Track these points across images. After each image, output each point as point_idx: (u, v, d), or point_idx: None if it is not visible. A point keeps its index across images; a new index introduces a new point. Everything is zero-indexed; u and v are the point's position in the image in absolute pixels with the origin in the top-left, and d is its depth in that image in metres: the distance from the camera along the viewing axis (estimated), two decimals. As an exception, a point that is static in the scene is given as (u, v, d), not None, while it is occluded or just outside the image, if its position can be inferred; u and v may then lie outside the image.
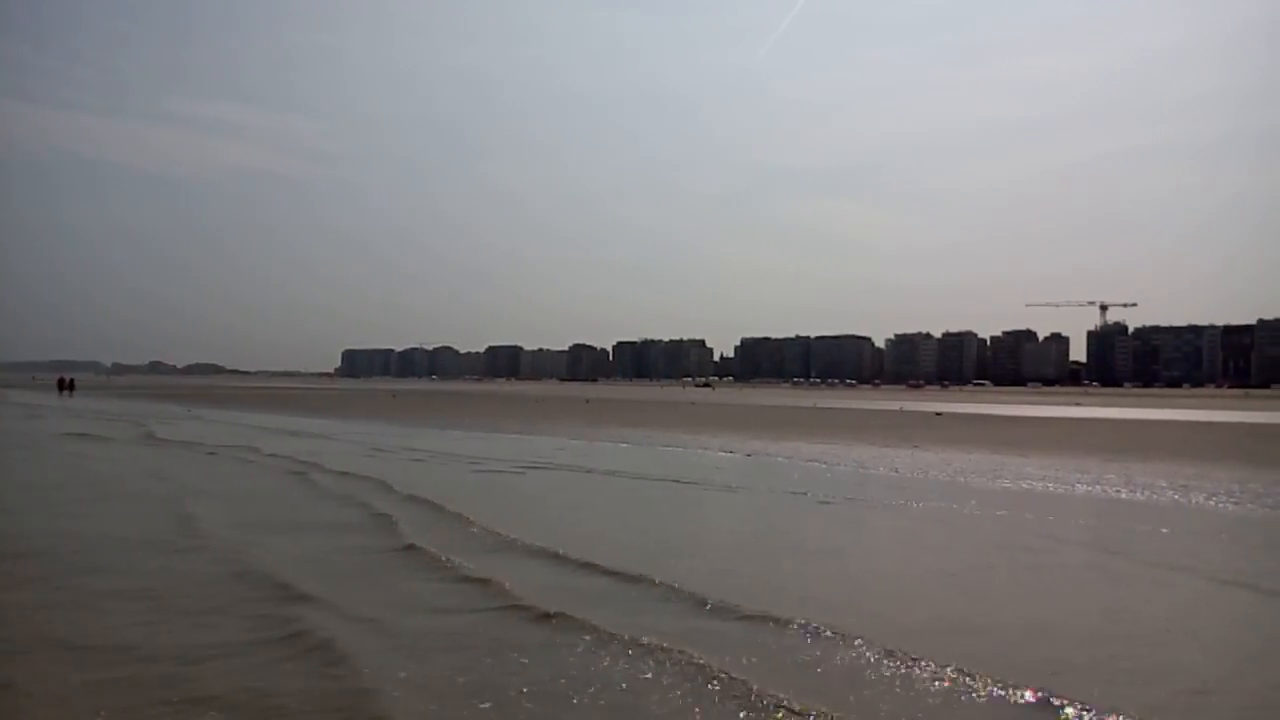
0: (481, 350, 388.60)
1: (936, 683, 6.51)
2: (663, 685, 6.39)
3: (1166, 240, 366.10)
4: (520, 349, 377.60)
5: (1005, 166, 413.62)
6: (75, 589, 8.93)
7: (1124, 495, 17.37)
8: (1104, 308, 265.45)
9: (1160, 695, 6.38)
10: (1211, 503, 16.32)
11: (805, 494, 17.30)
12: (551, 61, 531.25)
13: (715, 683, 6.44)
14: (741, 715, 5.94)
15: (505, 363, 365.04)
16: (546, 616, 7.98)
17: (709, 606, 8.43)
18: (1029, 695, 6.23)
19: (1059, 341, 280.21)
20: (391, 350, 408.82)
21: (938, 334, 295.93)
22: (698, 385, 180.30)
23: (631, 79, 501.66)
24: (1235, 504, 16.21)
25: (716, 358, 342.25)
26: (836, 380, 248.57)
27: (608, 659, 6.93)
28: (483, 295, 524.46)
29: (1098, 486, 18.56)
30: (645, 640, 7.26)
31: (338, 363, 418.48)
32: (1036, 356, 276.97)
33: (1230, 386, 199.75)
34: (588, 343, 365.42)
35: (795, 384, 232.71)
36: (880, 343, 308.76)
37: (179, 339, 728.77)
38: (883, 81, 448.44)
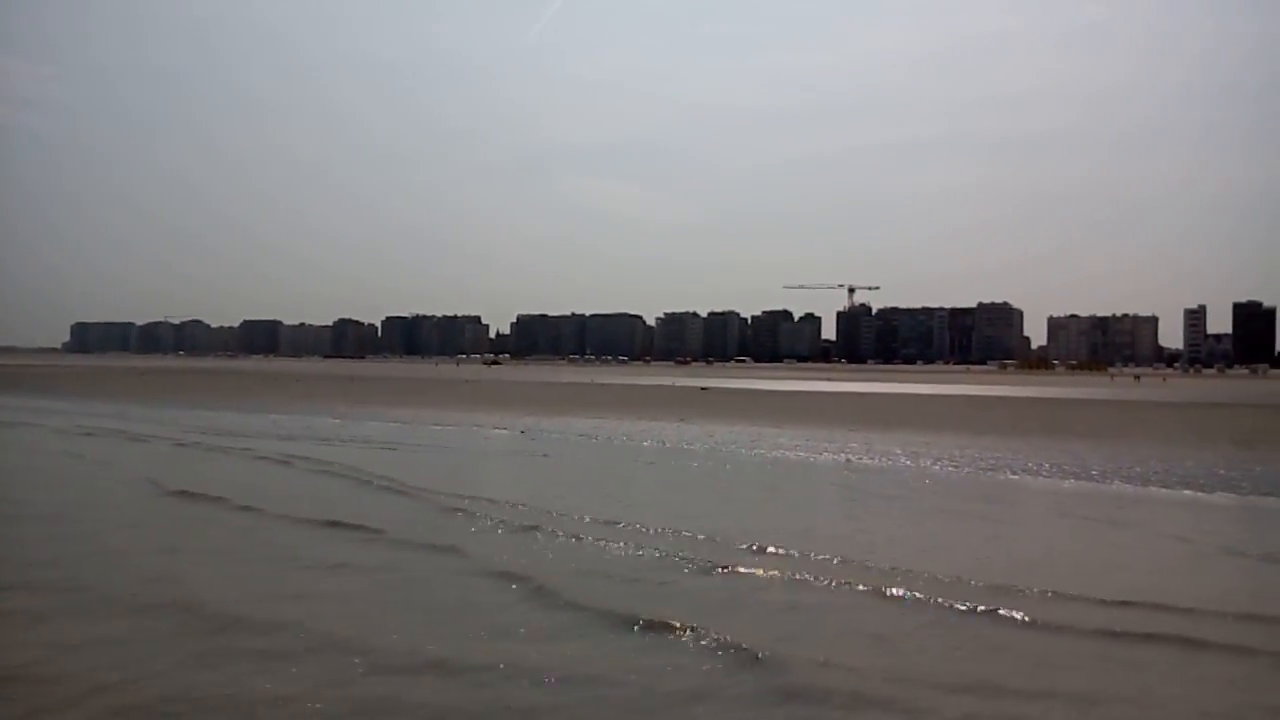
0: (236, 325, 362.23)
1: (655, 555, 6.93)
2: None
3: (905, 228, 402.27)
4: (279, 324, 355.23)
5: (766, 153, 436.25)
6: None
7: (865, 460, 19.07)
8: (851, 290, 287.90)
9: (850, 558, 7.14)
10: (936, 466, 18.25)
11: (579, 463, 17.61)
12: (342, 19, 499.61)
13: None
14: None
15: (263, 338, 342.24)
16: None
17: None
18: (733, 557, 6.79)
19: (812, 321, 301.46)
20: (132, 324, 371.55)
21: (704, 313, 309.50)
22: (488, 363, 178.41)
23: (413, 43, 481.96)
24: (954, 467, 18.24)
25: (492, 334, 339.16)
26: (610, 357, 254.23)
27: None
28: (235, 265, 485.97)
29: (842, 454, 20.23)
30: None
31: (66, 337, 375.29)
32: (792, 335, 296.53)
33: (955, 362, 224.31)
34: (354, 318, 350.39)
35: (571, 360, 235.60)
36: (651, 321, 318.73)
37: None
38: (654, 65, 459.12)
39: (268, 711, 5.58)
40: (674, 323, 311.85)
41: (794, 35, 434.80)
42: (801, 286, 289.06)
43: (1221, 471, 17.32)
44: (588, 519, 11.95)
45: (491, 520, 11.84)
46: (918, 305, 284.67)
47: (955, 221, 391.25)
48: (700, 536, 10.85)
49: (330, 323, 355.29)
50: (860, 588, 8.66)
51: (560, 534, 10.98)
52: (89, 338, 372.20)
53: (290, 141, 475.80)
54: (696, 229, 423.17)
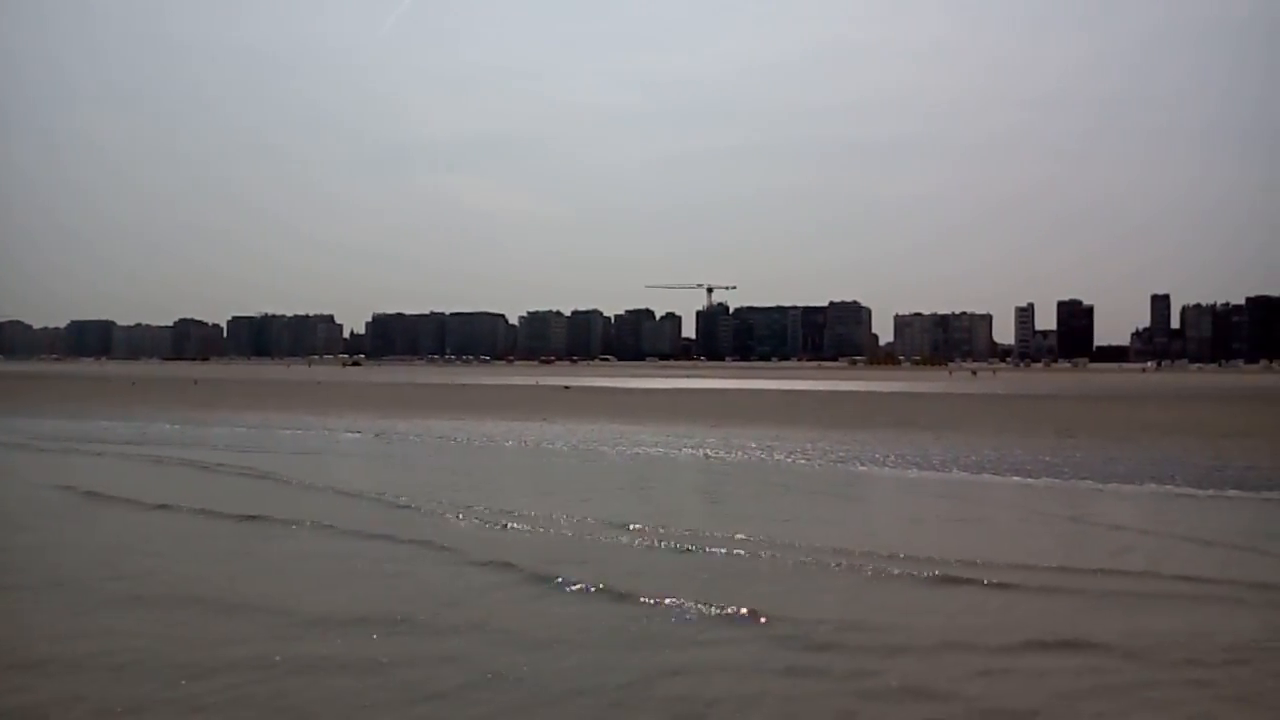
0: (63, 325, 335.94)
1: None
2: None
3: (759, 228, 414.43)
4: (113, 324, 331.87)
5: (626, 151, 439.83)
6: None
7: (721, 455, 19.52)
8: (710, 290, 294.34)
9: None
10: (790, 460, 18.88)
11: (439, 467, 17.26)
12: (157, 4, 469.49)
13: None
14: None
15: (94, 340, 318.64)
16: None
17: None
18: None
19: (673, 320, 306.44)
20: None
21: (567, 312, 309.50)
22: (347, 364, 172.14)
23: (253, 32, 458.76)
24: (806, 460, 18.92)
25: (347, 334, 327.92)
26: (471, 357, 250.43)
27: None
28: (65, 261, 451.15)
29: (701, 450, 20.64)
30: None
31: None
32: (654, 333, 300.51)
33: (808, 359, 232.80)
34: (197, 317, 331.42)
35: (430, 361, 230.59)
36: (514, 319, 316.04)
37: None
38: (514, 61, 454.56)
39: None
40: (537, 321, 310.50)
41: (653, 37, 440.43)
42: (663, 286, 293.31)
43: (1046, 458, 18.66)
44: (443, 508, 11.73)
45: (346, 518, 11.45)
46: (773, 304, 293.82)
47: (806, 223, 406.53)
48: (563, 519, 10.85)
49: (170, 323, 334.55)
50: (711, 550, 9.72)
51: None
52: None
53: (84, 126, 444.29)
54: (558, 226, 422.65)
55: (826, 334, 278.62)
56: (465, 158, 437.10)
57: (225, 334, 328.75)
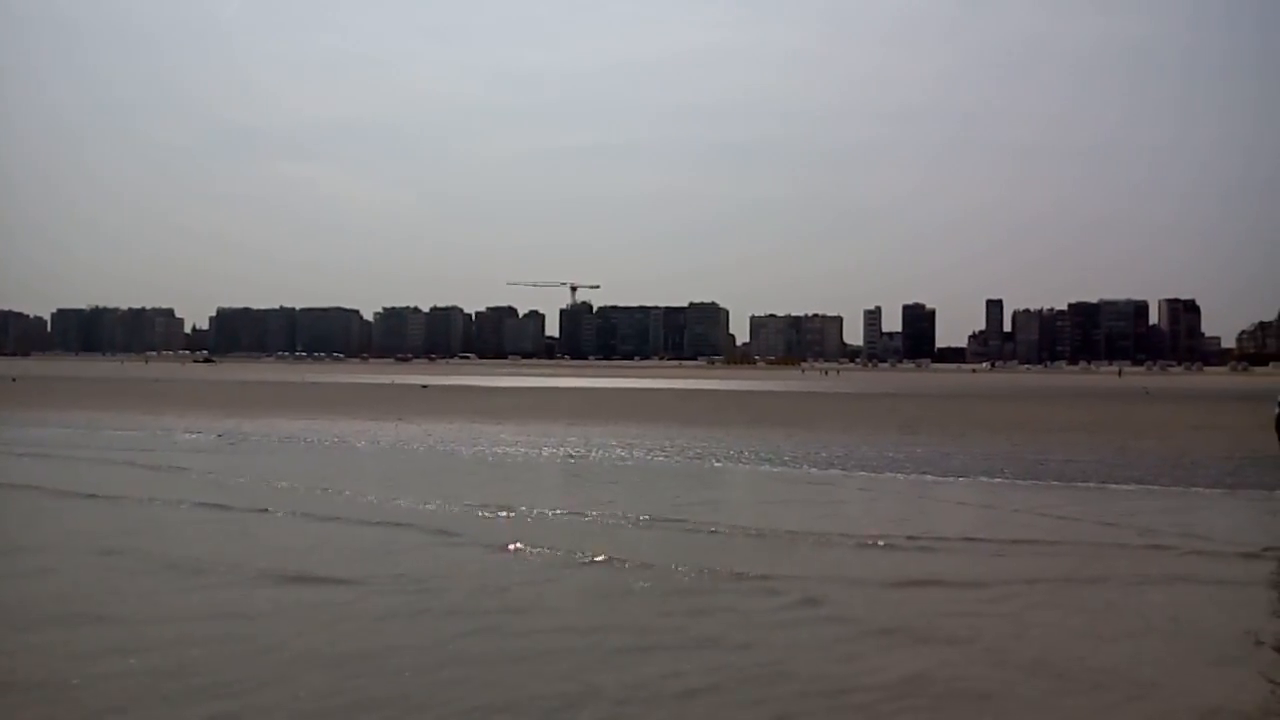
0: None
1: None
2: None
3: (622, 227, 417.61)
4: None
5: (488, 146, 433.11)
6: None
7: (581, 453, 19.53)
8: (574, 288, 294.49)
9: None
10: (649, 456, 19.08)
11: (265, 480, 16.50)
12: None
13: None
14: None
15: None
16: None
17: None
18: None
19: (536, 318, 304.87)
20: None
21: (426, 308, 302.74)
22: (198, 360, 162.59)
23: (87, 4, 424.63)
24: (665, 456, 19.17)
25: (188, 329, 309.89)
26: (324, 354, 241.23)
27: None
28: None
29: (561, 448, 20.59)
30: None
31: None
32: (517, 331, 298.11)
33: (669, 358, 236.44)
34: (16, 309, 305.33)
35: (280, 358, 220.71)
36: (369, 316, 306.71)
37: None
38: (366, 48, 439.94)
39: None
40: (394, 318, 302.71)
41: (519, 33, 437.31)
42: (525, 284, 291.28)
43: (890, 454, 19.58)
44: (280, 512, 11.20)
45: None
46: (635, 304, 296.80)
47: (668, 223, 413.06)
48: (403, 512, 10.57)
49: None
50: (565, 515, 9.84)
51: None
52: None
53: None
54: (415, 219, 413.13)
55: (687, 334, 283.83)
56: (321, 146, 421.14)
57: (50, 327, 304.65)
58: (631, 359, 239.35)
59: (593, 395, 47.70)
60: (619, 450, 20.11)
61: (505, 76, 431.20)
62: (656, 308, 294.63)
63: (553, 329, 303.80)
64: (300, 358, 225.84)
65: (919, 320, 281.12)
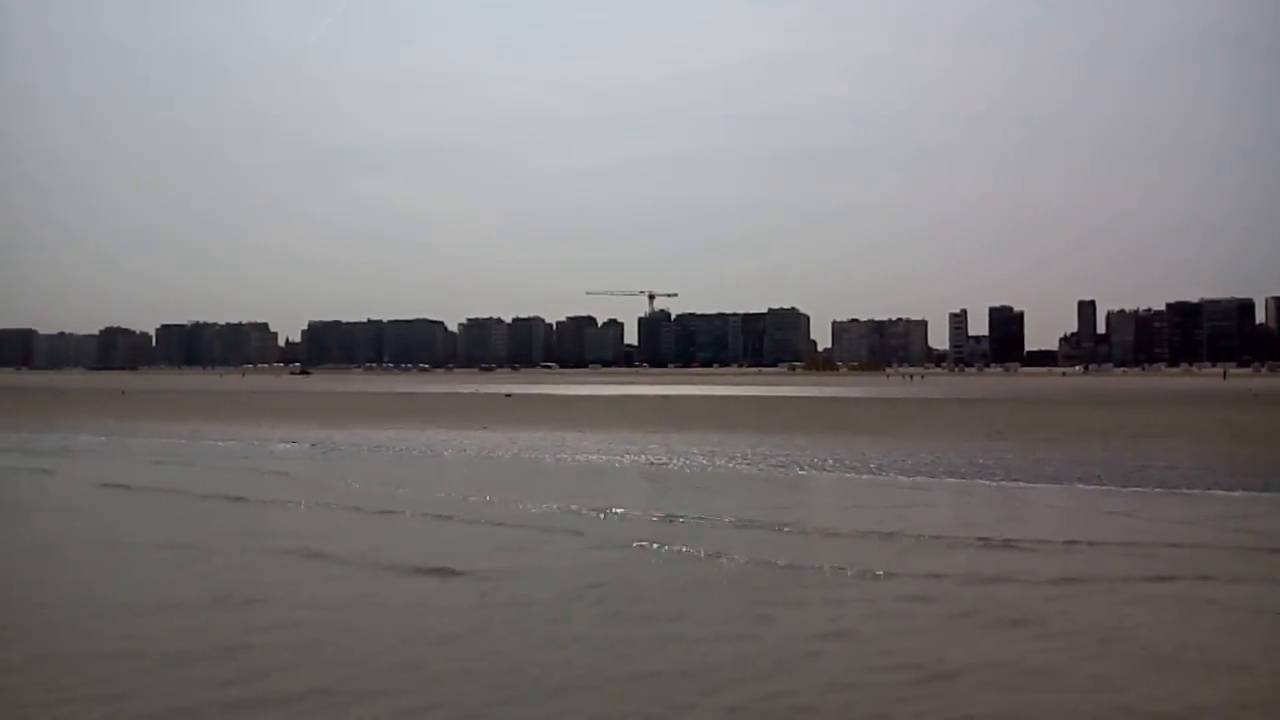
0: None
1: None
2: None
3: (700, 235, 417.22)
4: (34, 332, 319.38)
5: (566, 159, 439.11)
6: None
7: (663, 460, 19.58)
8: (652, 296, 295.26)
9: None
10: (732, 464, 19.02)
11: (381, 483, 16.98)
12: (87, 7, 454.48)
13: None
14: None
15: (13, 349, 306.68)
16: None
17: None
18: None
19: (615, 327, 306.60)
20: None
21: (509, 319, 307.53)
22: (294, 372, 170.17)
23: (178, 44, 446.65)
24: (747, 464, 19.07)
25: (281, 342, 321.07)
26: (410, 365, 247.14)
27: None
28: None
29: (643, 455, 20.67)
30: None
31: None
32: (597, 340, 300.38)
33: (748, 365, 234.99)
34: (125, 326, 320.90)
35: (367, 370, 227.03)
36: (453, 327, 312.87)
37: None
38: (445, 67, 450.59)
39: None
40: (477, 329, 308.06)
41: (595, 45, 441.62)
42: (605, 293, 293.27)
43: (980, 460, 19.09)
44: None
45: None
46: (714, 311, 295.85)
47: (747, 230, 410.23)
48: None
49: (96, 331, 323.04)
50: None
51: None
52: None
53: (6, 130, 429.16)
54: (498, 233, 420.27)
55: (766, 340, 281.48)
56: (402, 163, 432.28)
57: (154, 343, 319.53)
58: (710, 366, 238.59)
59: (672, 403, 47.74)
60: (700, 458, 20.09)
61: (579, 89, 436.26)
62: (735, 314, 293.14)
63: (631, 337, 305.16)
64: (387, 368, 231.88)
65: (1007, 322, 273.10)
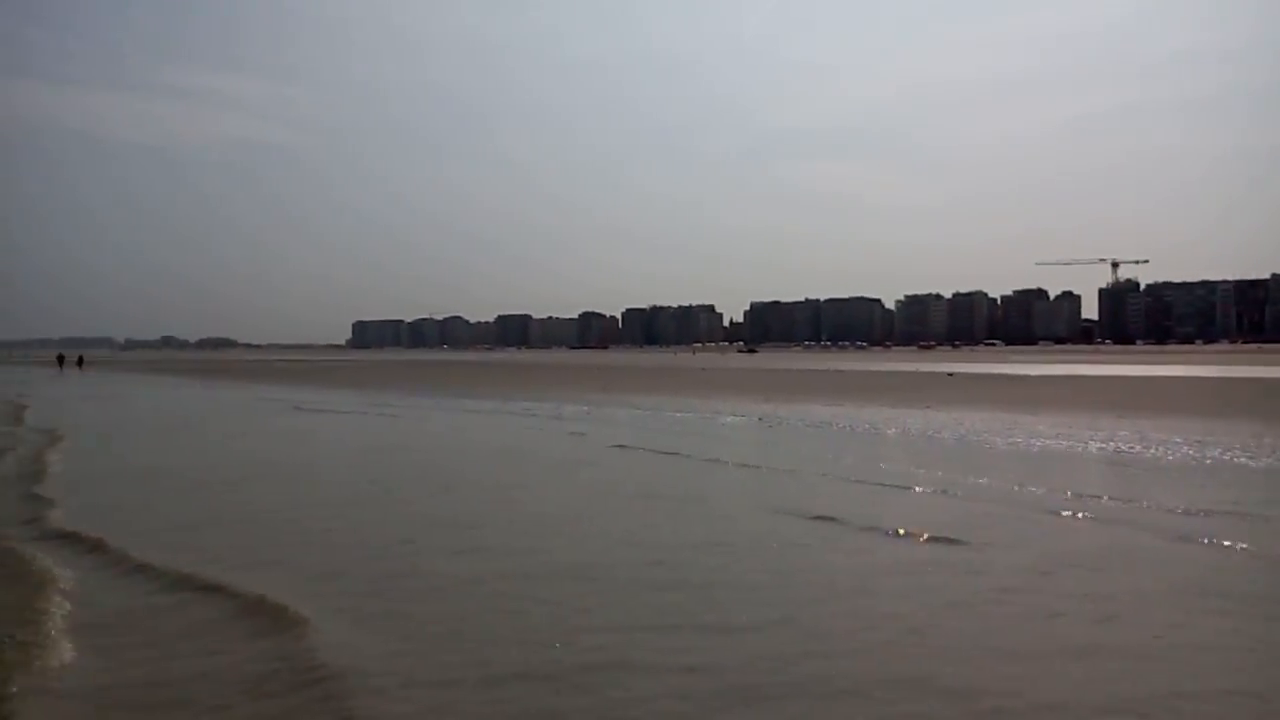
0: (491, 320, 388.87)
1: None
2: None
3: (1174, 194, 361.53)
4: (529, 318, 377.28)
5: (1010, 121, 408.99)
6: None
7: (1137, 449, 17.31)
8: (1115, 265, 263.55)
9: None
10: (1227, 456, 16.24)
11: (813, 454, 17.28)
12: (554, 26, 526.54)
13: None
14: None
15: (515, 332, 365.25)
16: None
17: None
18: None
19: (1070, 299, 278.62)
20: (401, 321, 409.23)
21: (948, 294, 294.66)
22: (741, 350, 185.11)
23: (633, 44, 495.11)
24: (1250, 457, 16.13)
25: (726, 323, 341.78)
26: (847, 343, 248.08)
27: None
28: (492, 264, 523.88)
29: (1110, 443, 18.49)
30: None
31: (348, 334, 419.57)
32: (1048, 315, 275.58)
33: (1245, 342, 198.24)
34: (597, 310, 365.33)
35: (806, 347, 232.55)
36: (890, 304, 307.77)
37: (190, 313, 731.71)
38: (881, 41, 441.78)
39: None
40: (915, 305, 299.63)
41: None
42: (1057, 262, 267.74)
43: None
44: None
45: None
46: (1195, 278, 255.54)
47: (1234, 182, 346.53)
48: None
49: (575, 315, 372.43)
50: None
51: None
52: (367, 334, 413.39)
53: (503, 146, 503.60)
54: (931, 208, 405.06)
55: (1269, 312, 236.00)
56: (829, 146, 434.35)
57: (620, 324, 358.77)
58: (1191, 343, 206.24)
59: (1144, 384, 42.07)
60: (1185, 448, 17.43)
61: (1006, 45, 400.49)
62: (1224, 282, 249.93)
63: (1090, 311, 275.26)
64: (825, 346, 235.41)
65: None
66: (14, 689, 5.63)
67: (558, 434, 21.80)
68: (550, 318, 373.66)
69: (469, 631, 6.72)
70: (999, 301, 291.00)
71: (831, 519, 10.69)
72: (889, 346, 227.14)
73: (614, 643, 6.40)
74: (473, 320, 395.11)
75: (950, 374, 54.94)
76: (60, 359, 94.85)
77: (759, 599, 7.53)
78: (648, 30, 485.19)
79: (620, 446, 18.63)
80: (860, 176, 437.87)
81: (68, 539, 9.93)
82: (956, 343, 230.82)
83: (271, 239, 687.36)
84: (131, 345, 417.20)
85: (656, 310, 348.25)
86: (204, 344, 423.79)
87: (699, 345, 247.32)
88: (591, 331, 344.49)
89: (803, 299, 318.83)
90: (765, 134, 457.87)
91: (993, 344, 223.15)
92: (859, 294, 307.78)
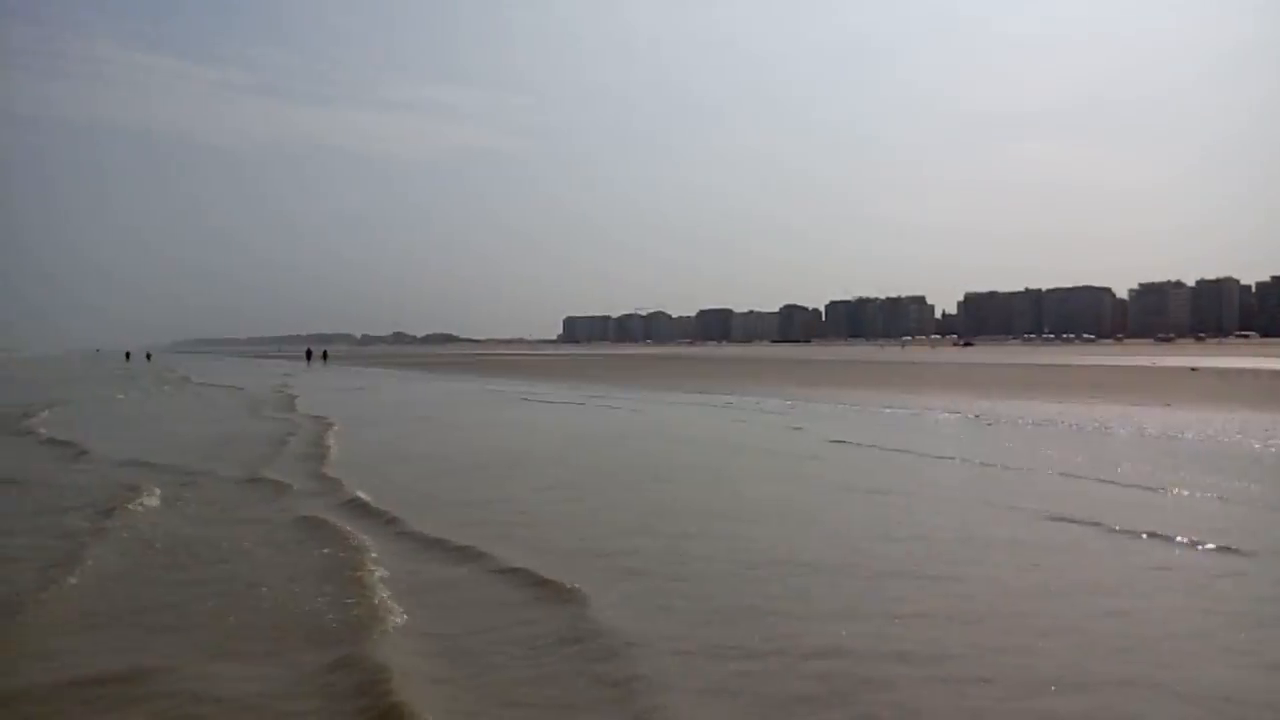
0: (693, 314, 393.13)
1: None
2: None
3: None
4: (731, 312, 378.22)
5: (1253, 89, 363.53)
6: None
7: None
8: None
9: None
10: None
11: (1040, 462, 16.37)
12: (778, 17, 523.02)
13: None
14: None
15: (716, 326, 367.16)
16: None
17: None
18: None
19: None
20: (608, 317, 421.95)
21: (1190, 281, 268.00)
22: (957, 344, 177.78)
23: (837, 36, 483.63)
24: None
25: (938, 315, 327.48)
26: (1072, 335, 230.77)
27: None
28: (695, 258, 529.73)
29: (1397, 448, 16.30)
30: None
31: (559, 330, 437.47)
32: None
33: None
34: (799, 303, 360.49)
35: (1026, 340, 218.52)
36: (1122, 293, 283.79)
37: (416, 311, 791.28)
38: (1101, 11, 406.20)
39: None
40: (1151, 294, 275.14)
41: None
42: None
43: None
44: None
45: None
46: None
47: None
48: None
49: (777, 309, 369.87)
50: None
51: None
52: (577, 329, 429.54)
53: (739, 139, 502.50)
54: (1166, 189, 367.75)
55: None
56: (1054, 123, 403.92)
57: (824, 318, 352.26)
58: None
59: None
60: None
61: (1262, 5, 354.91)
62: None
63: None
64: (1048, 339, 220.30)
65: None
66: (375, 636, 6.66)
67: (776, 428, 21.83)
68: (751, 311, 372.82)
69: (755, 608, 7.24)
70: (1253, 288, 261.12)
71: (1095, 523, 10.20)
72: (1121, 339, 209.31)
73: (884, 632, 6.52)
74: (675, 315, 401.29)
75: (1194, 369, 50.08)
76: (308, 353, 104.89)
77: (1047, 609, 7.39)
78: (842, 19, 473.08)
79: (839, 442, 18.47)
80: (1082, 157, 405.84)
81: (366, 512, 11.22)
82: (1201, 335, 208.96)
83: (484, 241, 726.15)
84: (367, 340, 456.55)
85: (862, 302, 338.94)
86: (430, 339, 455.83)
87: (908, 339, 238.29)
88: (793, 325, 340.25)
89: (1022, 289, 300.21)
90: (970, 116, 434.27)
91: (1246, 336, 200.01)
92: (1085, 282, 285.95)
